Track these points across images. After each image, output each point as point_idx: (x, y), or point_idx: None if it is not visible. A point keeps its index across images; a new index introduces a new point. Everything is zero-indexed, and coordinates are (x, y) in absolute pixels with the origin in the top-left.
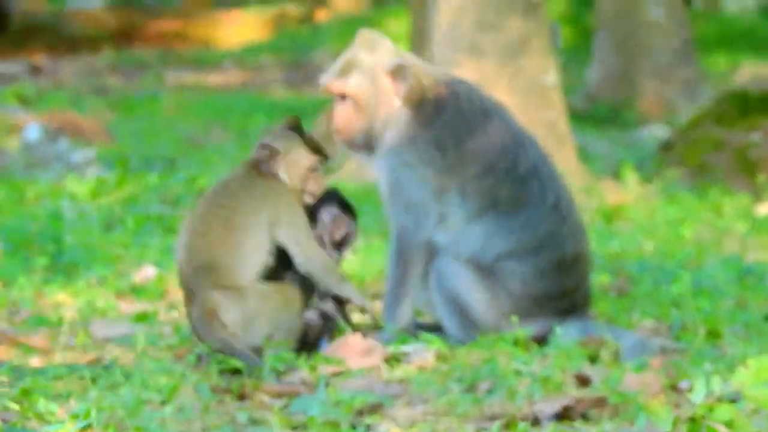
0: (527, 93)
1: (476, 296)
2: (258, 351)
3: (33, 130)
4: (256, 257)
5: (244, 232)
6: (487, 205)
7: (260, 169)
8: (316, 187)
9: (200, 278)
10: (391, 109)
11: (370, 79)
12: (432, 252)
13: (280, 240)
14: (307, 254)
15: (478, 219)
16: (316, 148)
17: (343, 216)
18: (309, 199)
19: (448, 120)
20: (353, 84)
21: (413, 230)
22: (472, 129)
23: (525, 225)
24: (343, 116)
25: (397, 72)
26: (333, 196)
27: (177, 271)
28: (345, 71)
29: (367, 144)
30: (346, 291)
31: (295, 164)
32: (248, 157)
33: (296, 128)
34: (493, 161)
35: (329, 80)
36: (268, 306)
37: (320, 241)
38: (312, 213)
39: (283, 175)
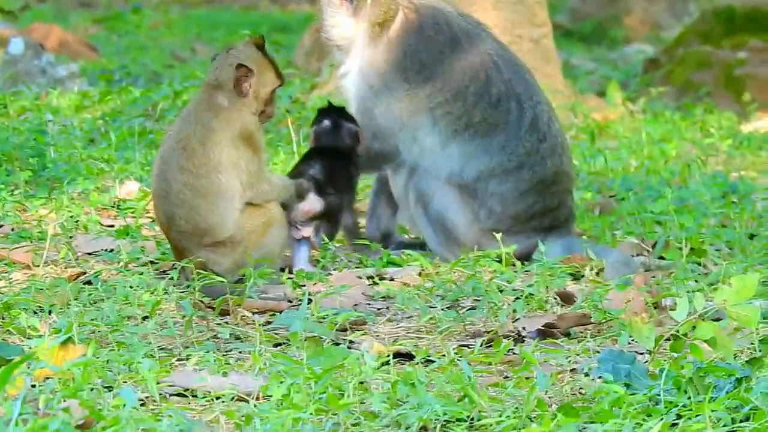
0: (513, 9)
1: (459, 214)
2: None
3: (16, 45)
4: (234, 204)
5: (216, 193)
6: (460, 128)
7: (226, 90)
8: (273, 110)
9: (185, 240)
10: (345, 29)
11: None
12: (413, 172)
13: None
14: (256, 185)
15: (453, 141)
16: (279, 71)
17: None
18: (265, 121)
19: (411, 44)
20: None
21: (378, 158)
22: (437, 53)
23: (503, 145)
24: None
25: None
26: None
27: (155, 214)
28: None
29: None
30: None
31: (263, 86)
32: (213, 78)
33: (261, 48)
34: (463, 85)
35: None
36: (253, 238)
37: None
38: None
39: (251, 96)
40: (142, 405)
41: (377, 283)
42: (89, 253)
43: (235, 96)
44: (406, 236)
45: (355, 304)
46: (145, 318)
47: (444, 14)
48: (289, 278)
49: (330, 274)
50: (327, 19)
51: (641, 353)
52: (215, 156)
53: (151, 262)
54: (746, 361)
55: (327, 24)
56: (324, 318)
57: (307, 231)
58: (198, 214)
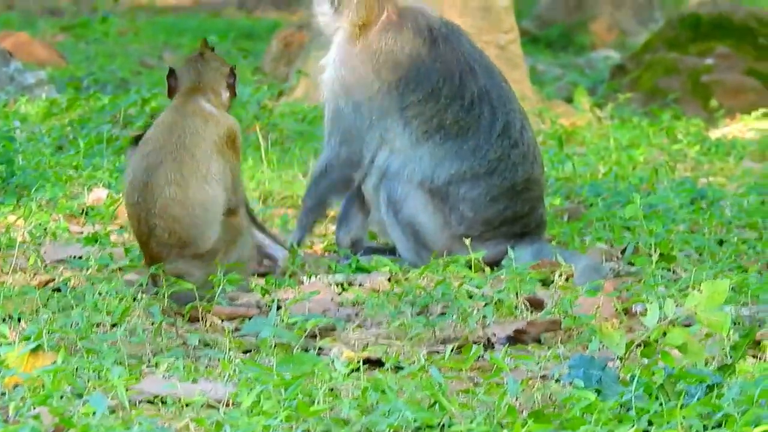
0: (480, 16)
1: (428, 219)
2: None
3: None
4: (217, 215)
5: (202, 205)
6: (431, 130)
7: (209, 95)
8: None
9: (164, 250)
10: (329, 22)
11: None
12: (383, 176)
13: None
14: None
15: (424, 143)
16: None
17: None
18: None
19: (387, 44)
20: None
21: (345, 162)
22: (413, 54)
23: (474, 150)
24: None
25: None
26: None
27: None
28: None
29: None
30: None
31: (230, 86)
32: (194, 84)
33: (213, 50)
34: (436, 87)
35: None
36: (226, 250)
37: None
38: None
39: (224, 98)
40: (112, 412)
41: (346, 289)
42: (58, 260)
43: (220, 100)
44: (375, 242)
45: (324, 311)
46: (114, 325)
47: (426, 17)
48: (257, 285)
49: (299, 280)
50: (314, 7)
51: (612, 359)
52: (205, 166)
53: (120, 269)
54: (718, 368)
55: (314, 12)
56: (293, 324)
57: None
58: (182, 227)
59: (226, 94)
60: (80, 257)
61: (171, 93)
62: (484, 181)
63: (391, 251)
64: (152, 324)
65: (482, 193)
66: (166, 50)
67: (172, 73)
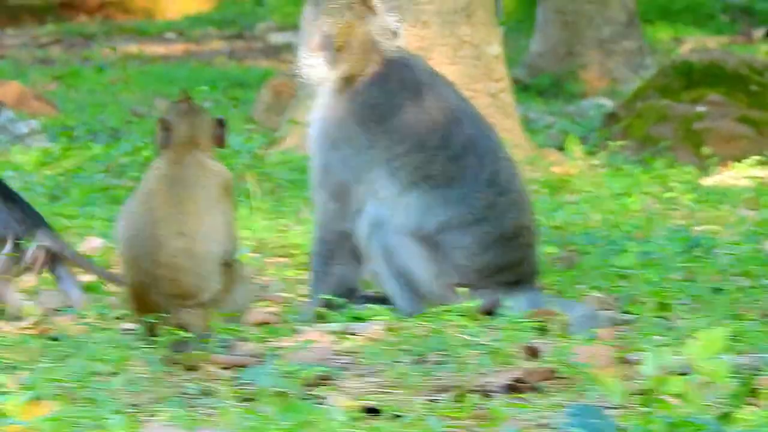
0: (471, 64)
1: (422, 268)
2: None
3: None
4: (218, 265)
5: (206, 256)
6: (418, 179)
7: (203, 147)
8: None
9: (166, 301)
10: (317, 74)
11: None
12: (374, 226)
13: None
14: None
15: (410, 192)
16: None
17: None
18: None
19: (373, 96)
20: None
21: (337, 217)
22: (399, 106)
23: (461, 198)
24: None
25: (325, 41)
26: None
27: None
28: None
29: None
30: None
31: (218, 137)
32: (186, 137)
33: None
34: (423, 138)
35: None
36: (225, 298)
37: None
38: None
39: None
40: None
41: (343, 338)
42: (54, 309)
43: (211, 151)
44: (370, 291)
45: (322, 359)
46: (112, 374)
47: (411, 69)
48: (252, 333)
49: (295, 328)
50: (302, 59)
51: (610, 408)
52: (208, 217)
53: (117, 318)
54: (717, 417)
55: (302, 63)
56: (291, 373)
57: None
58: (187, 277)
59: (214, 145)
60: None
61: (164, 144)
62: (474, 229)
63: (384, 300)
64: (150, 373)
65: (473, 242)
66: (156, 99)
67: (164, 123)
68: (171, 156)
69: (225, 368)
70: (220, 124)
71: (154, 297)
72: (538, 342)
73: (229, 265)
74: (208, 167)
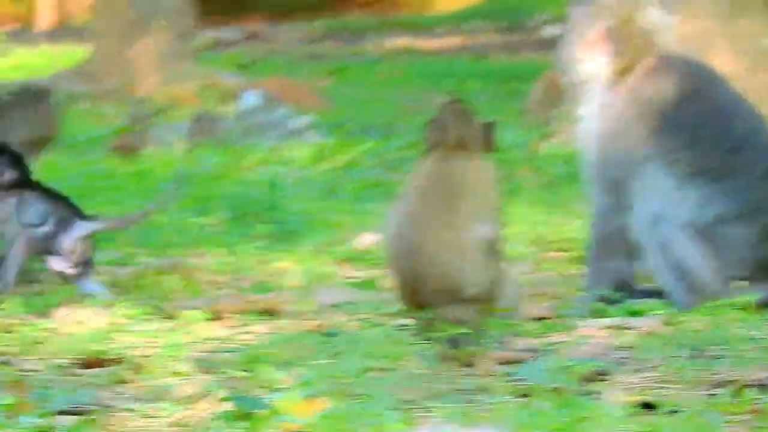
0: (746, 56)
1: (699, 262)
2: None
3: (250, 97)
4: (485, 259)
5: (472, 251)
6: (694, 173)
7: (468, 149)
8: None
9: (434, 297)
10: (593, 68)
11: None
12: (648, 220)
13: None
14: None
15: (687, 186)
16: None
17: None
18: None
19: (649, 90)
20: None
21: (612, 211)
22: (674, 100)
23: (737, 191)
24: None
25: (608, 33)
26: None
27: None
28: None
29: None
30: None
31: (488, 141)
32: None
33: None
34: (699, 132)
35: None
36: (496, 292)
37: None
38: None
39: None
40: None
41: (619, 333)
42: (329, 306)
43: (479, 154)
44: (646, 285)
45: (597, 354)
46: (388, 370)
47: (685, 63)
48: (528, 329)
49: (570, 323)
50: (573, 52)
51: None
52: (475, 212)
53: (391, 313)
54: None
55: (573, 56)
56: (566, 368)
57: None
58: (453, 273)
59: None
60: (351, 302)
61: (433, 144)
62: (751, 221)
63: (659, 294)
64: (426, 369)
65: (750, 234)
66: (430, 94)
67: (435, 124)
68: (438, 156)
69: (501, 364)
70: (490, 127)
71: (422, 293)
72: None
73: (495, 261)
74: (474, 166)
